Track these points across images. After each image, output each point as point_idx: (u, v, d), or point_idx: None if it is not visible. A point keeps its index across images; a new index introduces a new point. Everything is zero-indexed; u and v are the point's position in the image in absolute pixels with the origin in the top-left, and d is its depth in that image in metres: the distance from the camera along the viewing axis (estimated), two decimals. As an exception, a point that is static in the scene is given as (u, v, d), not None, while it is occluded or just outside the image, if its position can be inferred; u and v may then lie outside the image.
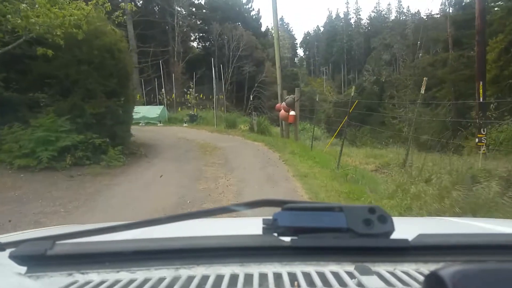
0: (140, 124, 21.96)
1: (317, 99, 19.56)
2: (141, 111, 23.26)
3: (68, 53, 10.25)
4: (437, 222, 1.70)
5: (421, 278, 0.61)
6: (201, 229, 1.25)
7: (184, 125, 21.42)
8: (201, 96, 26.13)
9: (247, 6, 49.97)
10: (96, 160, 9.76)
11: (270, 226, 0.69)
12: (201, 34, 45.30)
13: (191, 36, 44.38)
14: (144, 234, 0.91)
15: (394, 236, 0.67)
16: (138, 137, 15.03)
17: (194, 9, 43.74)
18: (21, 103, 10.45)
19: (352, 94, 11.42)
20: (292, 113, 13.84)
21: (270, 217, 0.69)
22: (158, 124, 21.89)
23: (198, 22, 44.39)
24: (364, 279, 0.61)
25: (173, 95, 26.95)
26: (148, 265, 0.68)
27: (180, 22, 40.49)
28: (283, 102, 14.96)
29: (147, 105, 26.03)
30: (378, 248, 0.67)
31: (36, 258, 0.67)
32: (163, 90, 25.77)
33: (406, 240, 0.68)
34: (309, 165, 9.14)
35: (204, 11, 44.74)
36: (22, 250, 0.67)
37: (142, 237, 0.81)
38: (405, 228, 1.03)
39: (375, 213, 0.67)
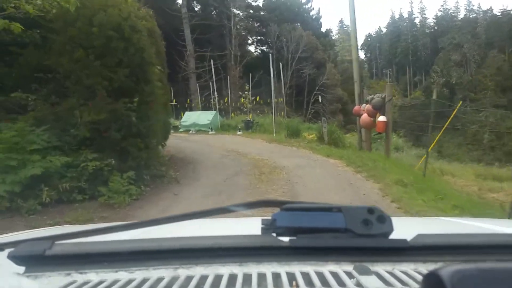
0: (190, 131, 18.45)
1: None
2: (191, 117, 19.81)
3: (62, 35, 6.71)
4: (435, 222, 1.63)
5: (420, 278, 0.59)
6: (200, 230, 1.17)
7: (238, 133, 17.54)
8: (257, 99, 22.17)
9: (306, 6, 45.65)
10: (94, 194, 6.09)
11: (269, 227, 0.67)
12: (258, 37, 42.05)
13: (248, 39, 41.31)
14: (142, 234, 0.87)
15: (393, 236, 0.65)
16: (179, 149, 11.34)
17: (251, 11, 40.28)
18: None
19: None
20: (381, 118, 9.49)
21: (269, 218, 0.67)
22: (210, 132, 18.22)
23: (256, 25, 41.05)
24: (363, 279, 0.58)
25: (226, 98, 23.20)
26: (146, 265, 0.65)
27: (238, 26, 37.79)
28: (365, 104, 10.66)
29: (202, 110, 22.57)
30: (377, 248, 0.65)
31: (34, 258, 0.65)
32: (216, 93, 22.11)
33: (405, 240, 0.66)
34: (451, 212, 4.82)
35: (262, 13, 41.18)
36: (21, 250, 0.65)
37: (140, 237, 0.79)
38: (404, 229, 0.96)
39: (373, 213, 0.64)
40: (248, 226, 1.10)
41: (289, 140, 13.71)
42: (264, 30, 39.97)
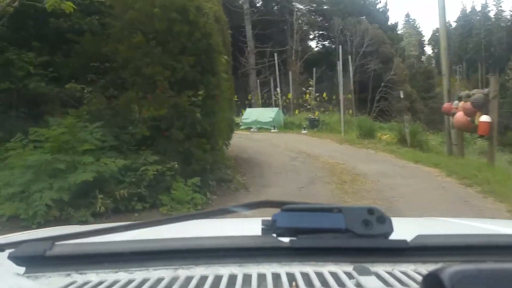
0: (252, 129, 17.46)
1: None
2: (252, 114, 18.81)
3: (120, 20, 5.88)
4: (435, 222, 1.59)
5: (420, 278, 0.58)
6: (200, 230, 1.12)
7: (303, 131, 16.27)
8: (324, 96, 20.68)
9: (372, -1, 43.15)
10: (155, 202, 5.18)
11: (269, 227, 0.66)
12: (320, 32, 40.42)
13: (310, 34, 39.91)
14: (143, 235, 0.81)
15: (392, 237, 0.65)
16: (242, 149, 10.33)
17: (314, 5, 38.69)
18: (54, 99, 6.45)
19: None
20: (485, 118, 7.83)
21: (269, 218, 0.66)
22: (272, 130, 17.12)
23: (319, 19, 39.48)
24: (363, 280, 0.57)
25: (289, 94, 21.94)
26: (146, 265, 0.64)
27: (300, 20, 36.56)
28: (457, 101, 9.02)
29: (263, 107, 21.52)
30: (377, 248, 0.65)
31: (35, 259, 0.64)
32: (278, 89, 20.91)
33: (404, 241, 0.65)
34: None
35: (325, 7, 39.44)
36: (21, 250, 0.64)
37: (141, 238, 0.75)
38: (404, 229, 0.91)
39: (373, 214, 0.64)
40: (248, 226, 1.03)
41: (362, 141, 12.26)
42: (326, 24, 38.32)
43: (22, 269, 0.64)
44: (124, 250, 0.66)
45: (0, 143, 5.16)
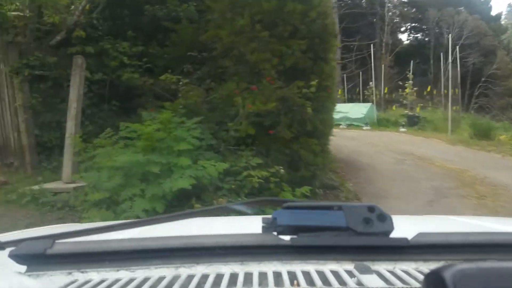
0: (341, 126, 16.06)
1: None
2: (341, 109, 17.34)
3: (221, 3, 5.07)
4: (436, 220, 1.50)
5: (421, 277, 0.57)
6: (201, 228, 1.11)
7: (401, 129, 14.53)
8: (428, 90, 18.52)
9: (472, -12, 38.78)
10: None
11: (269, 225, 0.64)
12: (412, 24, 37.37)
13: (402, 26, 37.13)
14: (144, 233, 0.80)
15: (393, 235, 0.62)
16: (337, 148, 9.12)
17: (407, -4, 35.83)
18: (147, 91, 5.89)
19: None
20: None
21: (270, 216, 0.64)
22: (364, 128, 15.60)
23: (412, 11, 36.54)
24: (364, 278, 0.57)
25: (386, 89, 20.06)
26: (148, 264, 0.63)
27: (391, 13, 34.21)
28: None
29: (350, 102, 19.93)
30: (378, 246, 0.63)
31: (36, 257, 0.62)
32: (371, 83, 19.14)
33: (405, 239, 0.63)
34: None
35: (418, -3, 36.31)
36: (22, 249, 0.62)
37: (141, 236, 0.73)
38: (405, 227, 0.85)
39: (374, 211, 0.62)
40: (249, 224, 0.98)
41: (477, 142, 10.37)
42: (420, 16, 35.28)
43: (23, 268, 0.62)
44: (125, 248, 0.64)
45: (90, 138, 4.62)
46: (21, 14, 6.06)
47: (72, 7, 6.12)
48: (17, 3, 6.09)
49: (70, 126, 5.10)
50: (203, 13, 6.11)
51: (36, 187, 4.85)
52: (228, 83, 4.76)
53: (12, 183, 5.39)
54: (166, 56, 6.56)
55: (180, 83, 5.57)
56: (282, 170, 4.28)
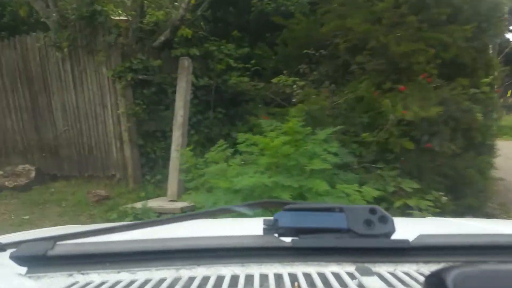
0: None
1: None
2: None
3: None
4: (437, 222, 1.49)
5: (422, 278, 0.56)
6: (202, 230, 1.11)
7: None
8: None
9: None
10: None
11: (271, 227, 0.63)
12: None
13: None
14: (144, 235, 0.79)
15: (394, 236, 0.61)
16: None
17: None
18: (255, 97, 5.15)
19: None
20: None
21: (271, 218, 0.63)
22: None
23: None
24: (365, 280, 0.55)
25: (510, 92, 17.14)
26: (149, 265, 0.62)
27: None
28: None
29: None
30: (379, 248, 0.62)
31: (36, 259, 0.61)
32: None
33: (406, 241, 0.62)
34: None
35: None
36: (23, 250, 0.62)
37: (143, 237, 0.72)
38: (406, 229, 0.81)
39: (375, 213, 0.61)
40: (250, 226, 0.89)
41: None
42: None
43: (23, 269, 0.61)
44: (126, 250, 0.63)
45: (195, 149, 3.93)
46: (124, 18, 5.67)
47: (176, 2, 5.59)
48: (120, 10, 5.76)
49: (177, 137, 4.49)
50: (315, 6, 5.22)
51: (139, 204, 4.29)
52: (361, 82, 3.74)
53: (114, 197, 4.94)
54: (274, 57, 5.76)
55: (294, 86, 4.70)
56: (444, 198, 3.12)
